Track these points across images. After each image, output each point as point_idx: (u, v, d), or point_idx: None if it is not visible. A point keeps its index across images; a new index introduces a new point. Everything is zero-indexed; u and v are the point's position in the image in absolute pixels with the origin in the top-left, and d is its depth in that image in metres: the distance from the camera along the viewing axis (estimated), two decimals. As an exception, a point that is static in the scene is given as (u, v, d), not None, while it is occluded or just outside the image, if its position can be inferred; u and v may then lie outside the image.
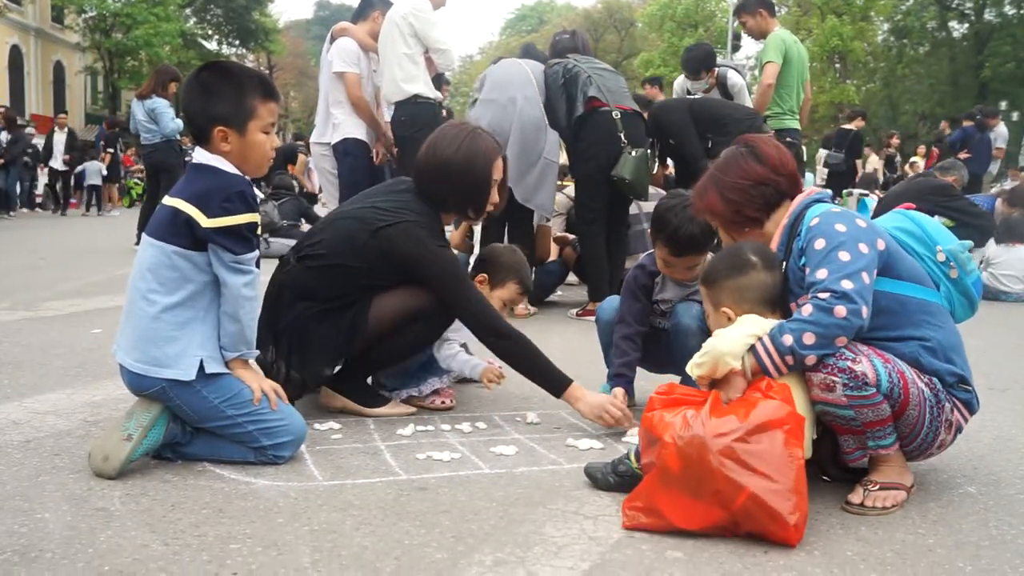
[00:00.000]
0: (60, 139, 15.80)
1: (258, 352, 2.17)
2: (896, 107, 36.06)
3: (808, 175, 14.14)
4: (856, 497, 1.86)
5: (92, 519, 1.69)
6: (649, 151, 4.54)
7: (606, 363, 2.74)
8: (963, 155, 10.49)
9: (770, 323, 1.83)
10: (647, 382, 2.65)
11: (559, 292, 5.63)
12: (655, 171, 5.09)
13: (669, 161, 5.76)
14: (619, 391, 2.48)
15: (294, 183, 9.72)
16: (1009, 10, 31.49)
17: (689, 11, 34.08)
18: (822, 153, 12.38)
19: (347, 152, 5.03)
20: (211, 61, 2.26)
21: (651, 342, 2.60)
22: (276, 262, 2.59)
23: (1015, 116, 24.59)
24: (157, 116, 7.67)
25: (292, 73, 47.29)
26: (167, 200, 2.02)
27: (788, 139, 5.42)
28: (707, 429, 1.66)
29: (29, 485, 1.87)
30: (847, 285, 1.75)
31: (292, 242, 3.37)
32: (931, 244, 2.05)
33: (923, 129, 30.20)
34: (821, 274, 1.80)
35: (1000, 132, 11.31)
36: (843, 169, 10.94)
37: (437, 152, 2.55)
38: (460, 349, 2.75)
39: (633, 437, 2.24)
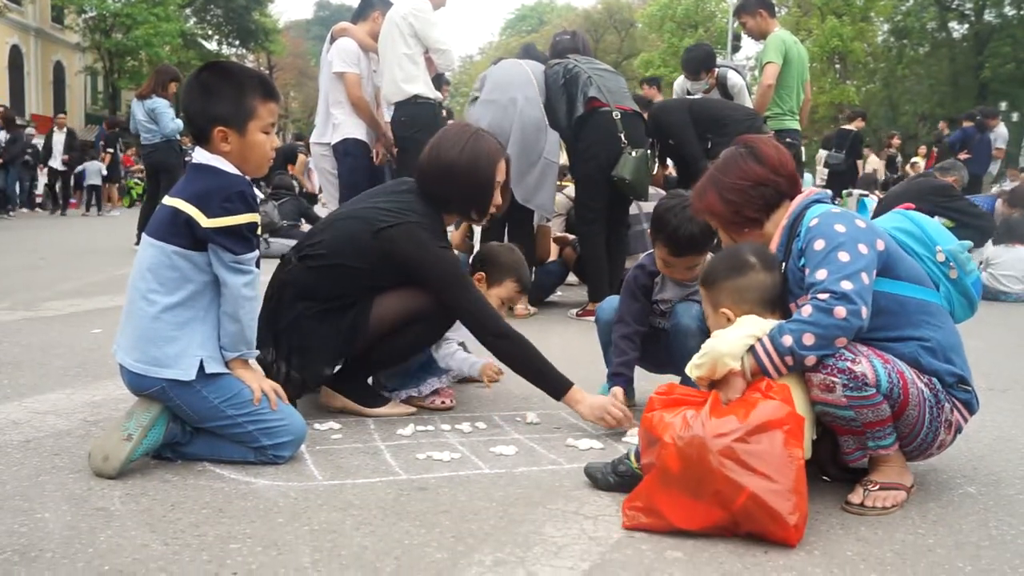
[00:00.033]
0: (59, 139, 15.79)
1: (258, 352, 2.17)
2: (896, 108, 36.03)
3: (807, 176, 14.15)
4: (856, 497, 1.86)
5: (92, 519, 1.69)
6: (649, 151, 4.54)
7: (606, 363, 2.74)
8: (963, 156, 10.50)
9: (769, 324, 1.83)
10: (647, 382, 2.65)
11: (559, 292, 5.63)
12: (655, 171, 5.09)
13: (669, 161, 5.76)
14: (617, 390, 2.48)
15: (294, 183, 9.73)
16: (1009, 11, 31.46)
17: (689, 12, 34.08)
18: (822, 154, 12.40)
19: (347, 152, 5.03)
20: (211, 61, 2.26)
21: (651, 342, 2.60)
22: (276, 262, 2.59)
23: (1015, 117, 24.58)
24: (157, 116, 7.67)
25: (292, 73, 47.28)
26: (167, 200, 2.03)
27: (788, 140, 5.42)
28: (707, 429, 1.67)
29: (29, 485, 1.87)
30: (847, 286, 1.75)
31: (292, 242, 3.37)
32: (931, 244, 2.05)
33: (923, 130, 30.22)
34: (821, 275, 1.80)
35: (1000, 133, 11.33)
36: (843, 169, 10.95)
37: (440, 154, 2.55)
38: (458, 348, 2.75)
39: (633, 437, 2.24)
